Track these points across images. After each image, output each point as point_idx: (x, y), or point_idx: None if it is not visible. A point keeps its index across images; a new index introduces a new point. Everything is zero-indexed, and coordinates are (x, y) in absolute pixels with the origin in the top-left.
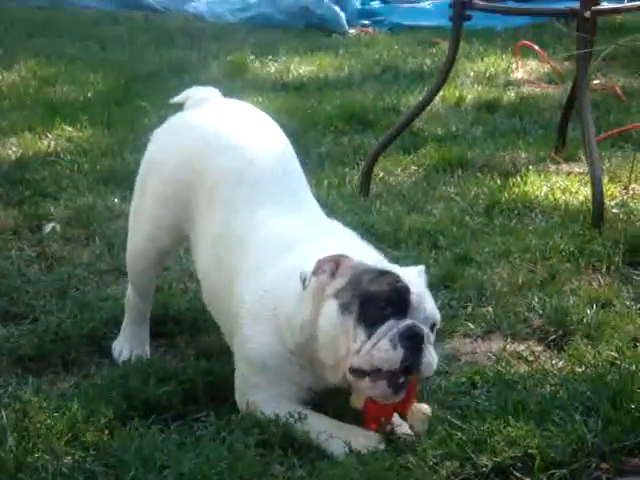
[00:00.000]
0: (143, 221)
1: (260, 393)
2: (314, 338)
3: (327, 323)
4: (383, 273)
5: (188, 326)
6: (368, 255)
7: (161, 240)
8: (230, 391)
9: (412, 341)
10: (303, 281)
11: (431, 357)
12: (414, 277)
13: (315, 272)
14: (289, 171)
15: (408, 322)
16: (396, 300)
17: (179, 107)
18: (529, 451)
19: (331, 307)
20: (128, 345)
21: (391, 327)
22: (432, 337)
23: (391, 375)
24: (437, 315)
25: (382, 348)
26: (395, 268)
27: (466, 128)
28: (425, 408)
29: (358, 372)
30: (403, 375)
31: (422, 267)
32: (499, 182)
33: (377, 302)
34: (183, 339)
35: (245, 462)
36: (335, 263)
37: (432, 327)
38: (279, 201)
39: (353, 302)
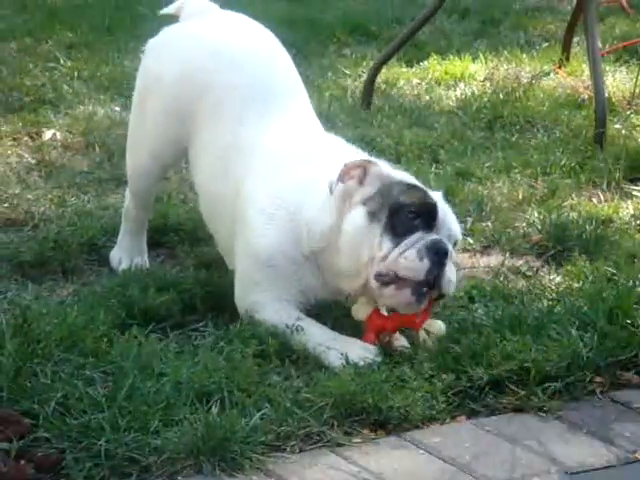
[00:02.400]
0: (146, 138)
1: (262, 293)
2: (333, 245)
3: (352, 229)
4: (412, 187)
5: (187, 236)
6: (390, 169)
7: (166, 156)
8: (229, 302)
9: (438, 255)
10: (330, 186)
11: (452, 274)
12: (437, 196)
13: (342, 176)
14: (296, 88)
15: (435, 237)
16: (425, 214)
17: (173, 17)
18: (524, 364)
19: (358, 213)
20: (127, 254)
21: (419, 239)
22: (454, 255)
23: (415, 285)
24: (459, 234)
25: (409, 257)
26: (420, 184)
27: (470, 41)
28: (440, 324)
29: (383, 279)
30: (426, 287)
31: (440, 192)
32: (501, 96)
33: (406, 213)
34: (182, 249)
35: (243, 372)
36: (363, 169)
37: (454, 245)
38: (289, 115)
39: (382, 211)
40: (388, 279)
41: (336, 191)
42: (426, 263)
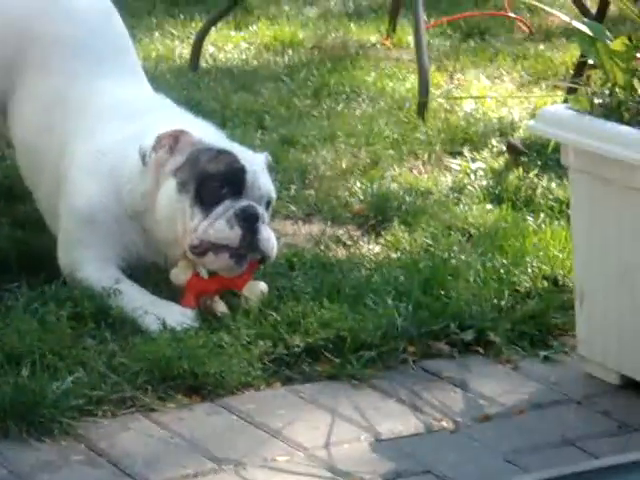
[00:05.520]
0: None
1: (84, 250)
2: (151, 211)
3: (165, 201)
4: (221, 152)
5: (3, 194)
6: (209, 132)
7: None
8: (45, 263)
9: (248, 222)
10: (143, 156)
11: (269, 234)
12: (251, 155)
13: (155, 148)
14: (127, 45)
15: (244, 203)
16: (232, 180)
17: None
18: (341, 333)
19: (170, 185)
20: None
21: (227, 208)
22: (267, 215)
23: (232, 249)
24: (272, 193)
25: (218, 228)
26: (234, 147)
27: (299, 8)
28: (262, 285)
29: (198, 250)
30: (244, 251)
31: (266, 154)
32: (329, 65)
33: (213, 182)
34: None
35: (56, 334)
36: (174, 138)
37: (267, 205)
38: (120, 74)
39: (190, 182)
40: (203, 249)
41: (150, 161)
42: (237, 230)
